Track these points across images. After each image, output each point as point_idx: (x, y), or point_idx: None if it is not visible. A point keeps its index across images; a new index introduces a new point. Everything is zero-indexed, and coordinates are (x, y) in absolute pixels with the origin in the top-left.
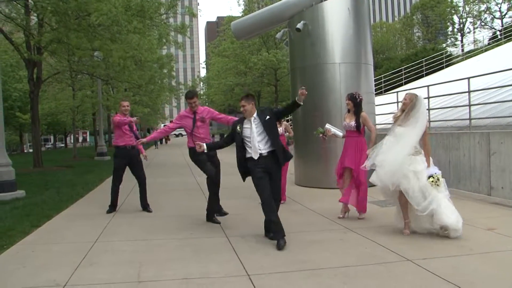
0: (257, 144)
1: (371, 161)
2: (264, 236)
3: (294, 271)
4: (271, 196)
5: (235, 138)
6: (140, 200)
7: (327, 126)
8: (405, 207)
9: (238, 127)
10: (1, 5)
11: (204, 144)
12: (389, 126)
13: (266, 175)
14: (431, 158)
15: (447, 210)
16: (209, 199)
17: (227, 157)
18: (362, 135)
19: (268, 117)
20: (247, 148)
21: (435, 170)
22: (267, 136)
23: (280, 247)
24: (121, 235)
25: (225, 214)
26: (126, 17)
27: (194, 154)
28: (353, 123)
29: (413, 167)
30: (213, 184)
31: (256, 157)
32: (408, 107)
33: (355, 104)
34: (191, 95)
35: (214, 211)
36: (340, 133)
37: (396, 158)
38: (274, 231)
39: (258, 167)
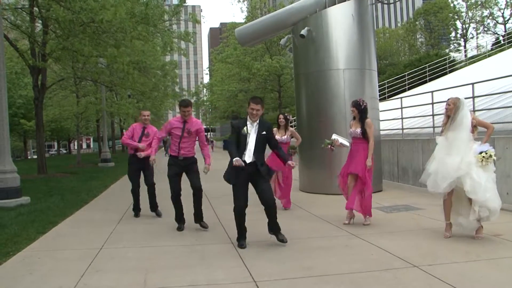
0: (253, 148)
1: (426, 172)
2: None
3: (300, 277)
4: (245, 205)
5: (241, 140)
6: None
7: (334, 136)
8: (448, 209)
9: (245, 129)
10: (7, 13)
11: (239, 159)
12: (393, 132)
13: (247, 184)
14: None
15: (493, 195)
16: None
17: (221, 164)
18: (368, 142)
19: (264, 132)
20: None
21: (487, 148)
22: (255, 149)
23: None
24: (126, 242)
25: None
26: (131, 24)
27: (168, 165)
28: (358, 130)
29: (467, 164)
30: (175, 197)
31: (249, 160)
32: (453, 111)
33: (360, 111)
34: (185, 104)
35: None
36: (347, 143)
37: (454, 162)
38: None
39: (243, 175)
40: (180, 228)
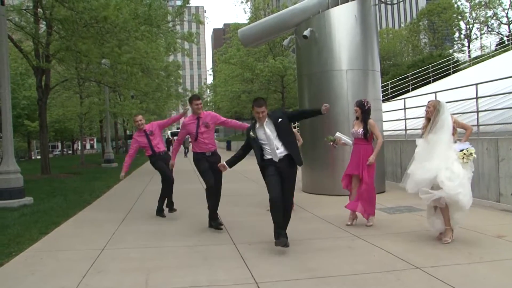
0: (275, 147)
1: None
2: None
3: (302, 278)
4: (281, 196)
5: (252, 144)
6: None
7: (338, 134)
8: (447, 213)
9: (251, 133)
10: (11, 14)
11: (225, 163)
12: (397, 132)
13: (278, 175)
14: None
15: (466, 191)
16: (208, 207)
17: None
18: (370, 143)
19: (280, 119)
20: (265, 150)
21: (467, 146)
22: (282, 139)
23: (280, 243)
24: (128, 242)
25: (220, 225)
26: (134, 25)
27: (196, 162)
28: (360, 130)
29: (446, 159)
30: (212, 193)
31: (277, 159)
32: (433, 114)
33: (363, 111)
34: (198, 96)
35: (212, 218)
36: (350, 142)
37: (435, 163)
38: (276, 232)
39: (272, 166)
40: (220, 225)
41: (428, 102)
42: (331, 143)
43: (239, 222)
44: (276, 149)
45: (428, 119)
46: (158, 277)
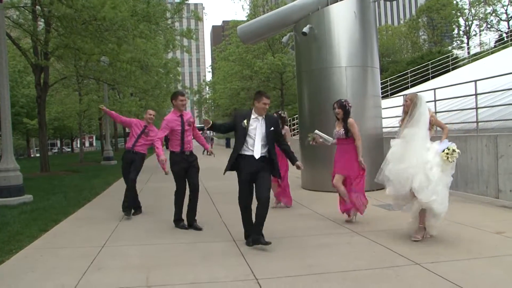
0: (260, 144)
1: (382, 173)
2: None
3: (303, 275)
4: (250, 202)
5: (238, 131)
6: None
7: (316, 132)
8: (423, 213)
9: (245, 122)
10: (9, 11)
11: (210, 121)
12: (396, 129)
13: (251, 181)
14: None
15: (441, 199)
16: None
17: (224, 163)
18: (352, 142)
19: (272, 128)
20: (246, 144)
21: (447, 144)
22: (267, 142)
23: (248, 243)
24: (128, 240)
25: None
26: (133, 22)
27: (172, 163)
28: (342, 130)
29: (426, 163)
30: (182, 198)
31: (257, 156)
32: (410, 107)
33: (345, 112)
34: (182, 93)
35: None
36: (330, 140)
37: (411, 162)
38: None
39: (247, 170)
40: (184, 226)
41: (406, 95)
42: (311, 142)
43: (238, 219)
44: (260, 148)
45: (406, 113)
46: (158, 274)
